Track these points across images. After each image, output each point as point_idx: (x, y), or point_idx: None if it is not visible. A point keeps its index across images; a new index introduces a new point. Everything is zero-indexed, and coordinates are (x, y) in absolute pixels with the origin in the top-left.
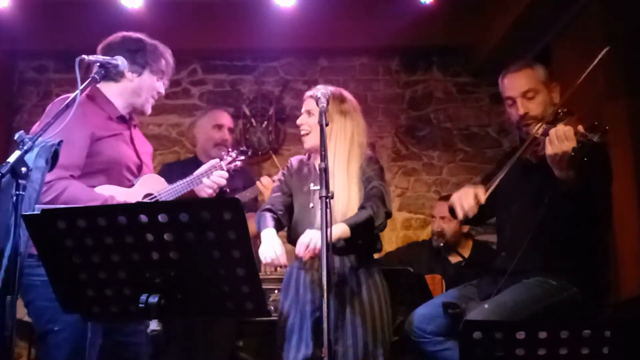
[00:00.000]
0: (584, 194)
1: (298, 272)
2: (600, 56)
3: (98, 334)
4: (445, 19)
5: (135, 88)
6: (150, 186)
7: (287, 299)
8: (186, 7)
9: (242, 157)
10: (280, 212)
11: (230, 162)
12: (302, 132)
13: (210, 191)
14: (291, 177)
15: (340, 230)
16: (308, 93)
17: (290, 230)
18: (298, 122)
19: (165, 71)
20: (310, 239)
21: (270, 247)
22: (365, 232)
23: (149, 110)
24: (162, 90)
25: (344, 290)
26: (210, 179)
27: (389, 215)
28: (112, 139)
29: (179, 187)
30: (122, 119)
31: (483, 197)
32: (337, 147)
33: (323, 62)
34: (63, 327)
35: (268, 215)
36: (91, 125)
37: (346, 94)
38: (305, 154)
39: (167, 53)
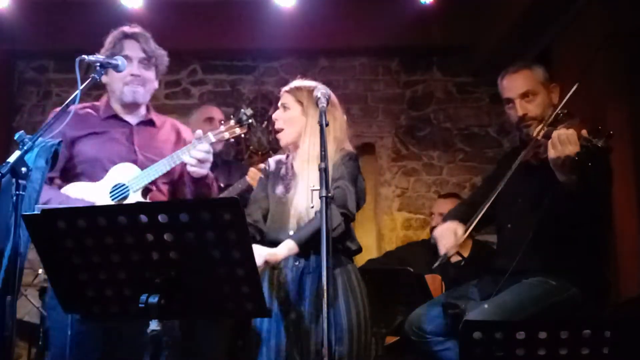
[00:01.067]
0: (585, 195)
1: (271, 272)
2: (571, 92)
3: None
4: (445, 19)
5: (109, 85)
6: (122, 175)
7: None
8: (186, 7)
9: (238, 128)
10: (259, 224)
11: (219, 133)
12: (276, 128)
13: (193, 169)
14: (267, 180)
15: (286, 248)
16: (285, 88)
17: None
18: (274, 116)
19: (114, 52)
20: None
21: None
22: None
23: (133, 98)
24: (131, 70)
25: (318, 291)
26: (190, 153)
27: (347, 216)
28: (92, 137)
29: (155, 170)
30: (115, 118)
31: (461, 237)
32: (310, 140)
33: (323, 62)
34: None
35: None
36: (66, 128)
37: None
38: (284, 153)
39: (117, 31)
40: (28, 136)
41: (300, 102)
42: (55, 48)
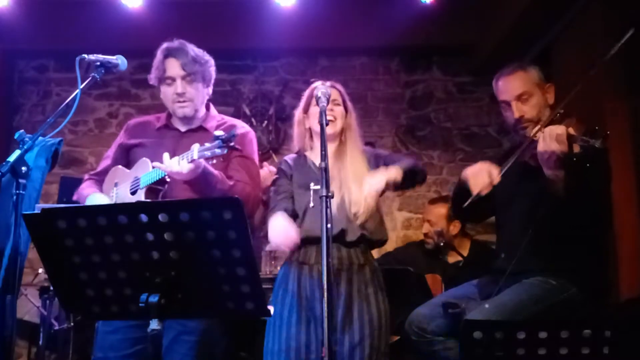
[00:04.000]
0: (578, 195)
1: (300, 267)
2: (625, 38)
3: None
4: (445, 19)
5: (164, 103)
6: (139, 170)
7: (286, 295)
8: (186, 7)
9: (219, 150)
10: (290, 211)
11: (202, 150)
12: (328, 118)
13: (176, 178)
14: (291, 177)
15: (395, 171)
16: (333, 84)
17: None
18: (328, 108)
19: (159, 75)
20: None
21: (280, 227)
22: (411, 179)
23: (182, 113)
24: (175, 90)
25: (352, 288)
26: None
27: (423, 170)
28: (144, 146)
29: (153, 174)
30: (166, 127)
31: (497, 177)
32: (354, 135)
33: (323, 62)
34: None
35: (279, 212)
36: (125, 136)
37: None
38: (296, 152)
39: (159, 51)
40: (28, 135)
41: (345, 104)
42: (55, 47)
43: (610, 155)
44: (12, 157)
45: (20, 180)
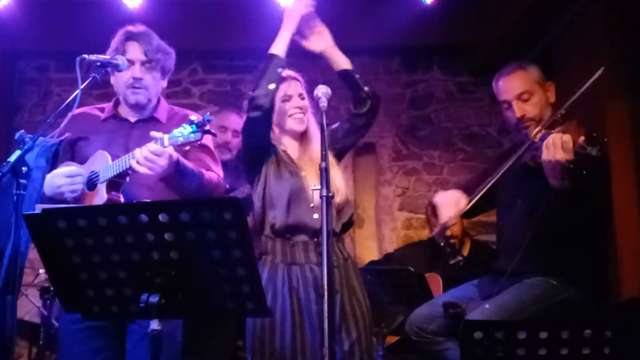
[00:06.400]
0: (580, 200)
1: (288, 268)
2: (594, 77)
3: None
4: (446, 19)
5: (115, 88)
6: (96, 164)
7: (276, 299)
8: (186, 6)
9: (193, 135)
10: None
11: (173, 137)
12: (298, 116)
13: (138, 167)
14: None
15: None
16: (295, 76)
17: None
18: (302, 104)
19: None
20: None
21: None
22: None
23: (136, 101)
24: (133, 74)
25: (342, 285)
26: (142, 152)
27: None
28: (91, 139)
29: (116, 165)
30: (114, 118)
31: (464, 208)
32: (317, 143)
33: (323, 62)
34: None
35: None
36: (67, 130)
37: None
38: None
39: (120, 32)
40: (28, 135)
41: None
42: (56, 47)
43: (610, 157)
44: (13, 158)
45: (21, 181)
